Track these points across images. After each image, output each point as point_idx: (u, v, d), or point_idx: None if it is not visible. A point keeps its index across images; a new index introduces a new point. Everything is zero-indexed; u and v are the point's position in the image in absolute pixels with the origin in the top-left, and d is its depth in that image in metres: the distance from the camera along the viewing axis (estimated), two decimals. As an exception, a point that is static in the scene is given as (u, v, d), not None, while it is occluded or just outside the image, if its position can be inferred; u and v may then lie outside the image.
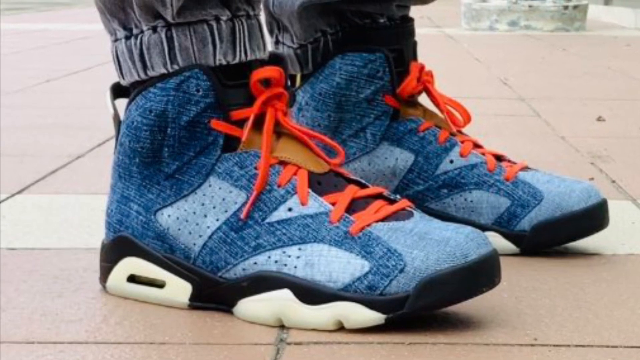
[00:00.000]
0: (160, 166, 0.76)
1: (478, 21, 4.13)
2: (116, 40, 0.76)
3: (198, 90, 0.73)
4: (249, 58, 0.75)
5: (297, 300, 0.69)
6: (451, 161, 0.90)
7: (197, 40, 0.74)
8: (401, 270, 0.68)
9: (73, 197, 1.13)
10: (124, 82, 0.77)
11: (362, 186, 0.75)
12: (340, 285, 0.69)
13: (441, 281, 0.67)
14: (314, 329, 0.70)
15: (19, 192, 1.16)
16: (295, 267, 0.70)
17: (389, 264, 0.68)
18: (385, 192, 0.75)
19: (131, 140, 0.75)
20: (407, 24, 0.96)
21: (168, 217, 0.75)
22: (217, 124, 0.73)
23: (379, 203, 0.73)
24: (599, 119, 1.73)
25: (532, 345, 0.68)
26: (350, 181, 0.76)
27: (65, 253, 0.91)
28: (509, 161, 0.92)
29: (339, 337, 0.70)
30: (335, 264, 0.70)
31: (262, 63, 0.75)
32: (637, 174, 1.28)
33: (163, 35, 0.73)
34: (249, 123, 0.72)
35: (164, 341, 0.71)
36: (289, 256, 0.71)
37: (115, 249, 0.78)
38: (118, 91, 0.80)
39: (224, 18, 0.74)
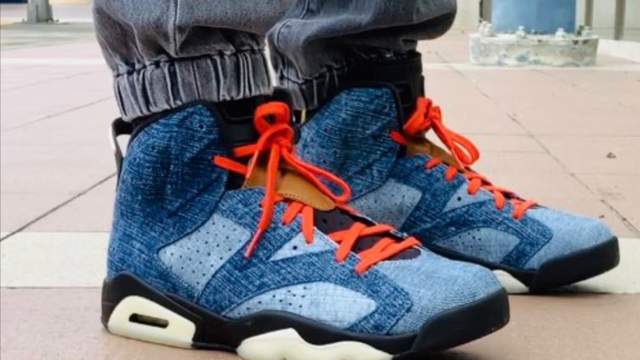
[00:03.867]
0: (163, 203, 0.75)
1: (486, 56, 4.10)
2: (118, 75, 0.76)
3: (201, 127, 0.72)
4: (253, 94, 0.74)
5: (302, 340, 0.69)
6: (459, 198, 0.89)
7: (200, 76, 0.73)
8: (408, 310, 0.67)
9: (74, 234, 1.13)
10: (126, 118, 0.77)
11: (369, 224, 0.75)
12: (346, 325, 0.69)
13: (449, 321, 0.66)
14: None
15: (20, 230, 1.15)
16: (301, 306, 0.70)
17: (396, 303, 0.68)
18: (392, 230, 0.75)
19: (133, 177, 0.75)
20: (414, 59, 0.95)
21: (171, 255, 0.74)
22: (220, 161, 0.72)
23: (385, 241, 0.72)
24: (610, 155, 1.71)
25: None
26: (357, 219, 0.75)
27: (67, 292, 0.90)
28: (518, 198, 0.91)
29: None
30: (341, 303, 0.70)
31: (266, 98, 0.75)
32: None
33: (166, 71, 0.73)
34: (253, 160, 0.72)
35: None
36: (294, 295, 0.71)
37: (117, 288, 0.78)
38: (120, 127, 0.79)
39: (228, 53, 0.74)
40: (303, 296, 0.71)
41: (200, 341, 0.74)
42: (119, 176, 0.79)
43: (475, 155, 0.90)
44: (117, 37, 0.75)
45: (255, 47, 0.76)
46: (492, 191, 0.90)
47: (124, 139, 0.81)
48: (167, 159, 0.73)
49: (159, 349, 0.76)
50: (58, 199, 1.35)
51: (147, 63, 0.74)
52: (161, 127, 0.74)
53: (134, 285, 0.76)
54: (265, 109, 0.73)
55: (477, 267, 0.71)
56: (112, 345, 0.76)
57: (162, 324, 0.75)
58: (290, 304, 0.71)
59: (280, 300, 0.71)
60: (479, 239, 0.89)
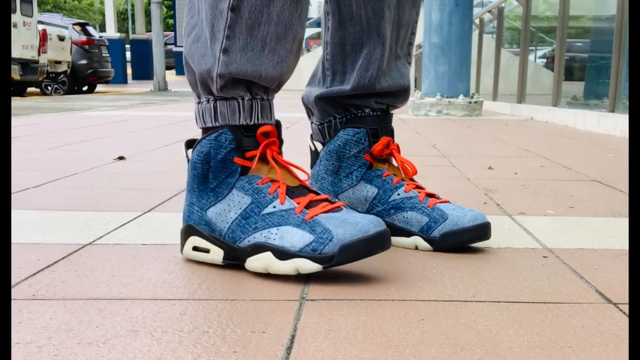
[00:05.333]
0: (208, 184, 0.93)
1: (418, 110, 5.32)
2: (197, 103, 0.96)
3: (226, 140, 0.92)
4: (259, 122, 0.93)
5: (274, 258, 0.88)
6: (398, 194, 1.09)
7: (230, 109, 0.92)
8: (330, 240, 0.86)
9: (181, 214, 1.31)
10: (198, 126, 0.96)
11: (317, 194, 0.93)
12: (297, 249, 0.87)
13: (352, 246, 0.85)
14: (285, 275, 0.88)
15: (149, 211, 1.39)
16: (274, 239, 0.89)
17: (324, 237, 0.86)
18: (330, 198, 0.94)
19: (193, 169, 0.94)
20: (385, 114, 1.14)
21: (212, 212, 0.93)
22: (237, 160, 0.92)
23: (325, 203, 0.92)
24: (490, 168, 2.17)
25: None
26: (311, 191, 0.94)
27: (172, 246, 1.10)
28: (436, 197, 1.10)
29: (349, 295, 0.84)
30: (295, 237, 0.87)
31: (267, 124, 0.93)
32: (512, 201, 1.53)
33: (212, 105, 0.93)
34: (256, 158, 0.91)
35: (210, 297, 0.84)
36: (271, 233, 0.89)
37: (185, 232, 0.98)
38: (189, 144, 0.97)
39: (247, 98, 0.93)
40: (276, 234, 0.89)
41: (227, 260, 0.94)
42: (188, 170, 0.98)
43: (414, 171, 1.11)
44: (192, 80, 0.95)
45: (265, 97, 0.94)
46: (419, 191, 1.08)
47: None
48: (208, 159, 0.93)
49: (207, 276, 0.91)
50: (170, 193, 1.61)
51: (203, 99, 0.94)
52: (206, 141, 0.93)
53: (193, 230, 0.96)
54: (262, 129, 0.93)
55: (371, 216, 0.88)
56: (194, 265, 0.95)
57: (206, 251, 0.95)
58: (269, 238, 0.89)
59: (264, 236, 0.89)
60: (407, 217, 1.09)
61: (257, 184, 0.91)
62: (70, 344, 0.67)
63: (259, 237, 0.89)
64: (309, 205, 0.91)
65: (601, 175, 2.01)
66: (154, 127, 3.83)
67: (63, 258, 1.00)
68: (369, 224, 0.86)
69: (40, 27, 11.15)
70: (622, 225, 1.30)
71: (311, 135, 1.16)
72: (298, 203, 0.90)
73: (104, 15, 23.51)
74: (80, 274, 0.92)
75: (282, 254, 0.87)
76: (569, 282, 0.92)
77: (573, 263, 1.02)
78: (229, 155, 0.92)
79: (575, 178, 1.96)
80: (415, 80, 12.05)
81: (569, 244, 1.14)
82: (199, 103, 0.95)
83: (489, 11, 7.45)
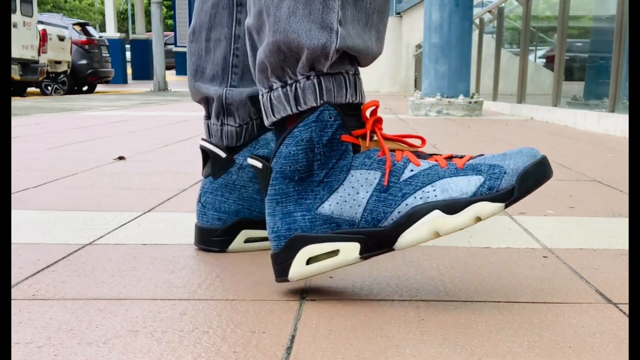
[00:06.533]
0: (312, 177, 0.82)
1: (418, 110, 5.36)
2: (271, 90, 0.84)
3: (330, 117, 0.82)
4: (362, 100, 0.85)
5: (445, 215, 0.78)
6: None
7: (336, 85, 0.83)
8: (504, 173, 0.78)
9: (181, 214, 1.35)
10: (271, 119, 0.84)
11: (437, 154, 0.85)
12: (470, 194, 0.78)
13: (529, 172, 0.78)
14: (460, 229, 0.78)
15: (149, 211, 1.39)
16: (435, 196, 0.79)
17: (496, 171, 0.79)
18: (453, 155, 0.85)
19: (291, 165, 0.82)
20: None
21: (329, 206, 0.81)
22: (345, 137, 0.82)
23: (466, 156, 0.84)
24: None
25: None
26: (430, 155, 0.85)
27: (175, 247, 1.09)
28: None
29: (349, 295, 0.84)
30: (461, 183, 0.79)
31: (370, 101, 0.85)
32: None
33: (315, 82, 0.82)
34: (367, 135, 0.83)
35: (210, 297, 0.84)
36: (428, 192, 0.79)
37: (289, 248, 0.82)
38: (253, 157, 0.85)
39: (351, 72, 0.84)
40: (434, 190, 0.79)
41: (365, 253, 0.81)
42: (264, 183, 0.85)
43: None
44: (278, 63, 0.83)
45: (359, 73, 0.87)
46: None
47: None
48: (311, 145, 0.82)
49: (204, 279, 0.89)
50: (170, 193, 1.61)
51: (299, 78, 0.82)
52: (302, 127, 0.81)
53: (304, 239, 0.82)
54: (368, 105, 0.84)
55: (526, 147, 0.83)
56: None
57: (333, 254, 0.81)
58: (428, 197, 0.79)
59: (420, 198, 0.79)
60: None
61: (379, 156, 0.82)
62: (70, 344, 0.67)
63: (412, 202, 0.79)
64: (449, 159, 0.83)
65: (601, 175, 2.02)
66: (154, 127, 3.84)
67: (63, 258, 1.01)
68: (530, 150, 0.80)
69: (40, 27, 11.15)
70: (622, 225, 1.30)
71: (208, 140, 1.03)
72: (435, 161, 0.82)
73: (104, 15, 23.52)
74: (80, 274, 0.92)
75: (453, 206, 0.78)
76: (569, 282, 0.92)
77: (573, 263, 1.02)
78: (336, 134, 0.82)
79: (575, 178, 1.96)
80: (415, 80, 12.20)
81: (569, 244, 1.14)
82: (283, 87, 0.83)
83: (489, 11, 7.45)
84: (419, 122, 4.58)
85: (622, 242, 1.16)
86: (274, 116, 0.83)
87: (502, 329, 0.73)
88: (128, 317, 0.75)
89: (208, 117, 1.08)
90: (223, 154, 1.03)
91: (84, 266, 0.95)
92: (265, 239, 1.03)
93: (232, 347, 0.66)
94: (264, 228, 1.02)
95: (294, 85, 0.82)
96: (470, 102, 5.41)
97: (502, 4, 6.97)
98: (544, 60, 6.92)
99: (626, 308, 0.81)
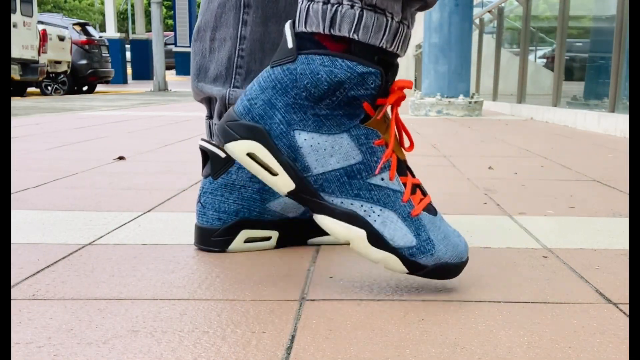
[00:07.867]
0: (314, 106, 0.81)
1: (418, 110, 5.39)
2: (312, 1, 0.81)
3: (372, 84, 0.80)
4: (397, 52, 0.82)
5: (366, 240, 0.81)
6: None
7: (376, 25, 0.80)
8: (431, 254, 0.83)
9: (182, 214, 1.35)
10: (302, 29, 0.81)
11: (414, 176, 0.87)
12: (396, 245, 0.82)
13: (445, 267, 0.84)
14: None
15: (149, 211, 1.37)
16: (375, 220, 0.81)
17: (427, 247, 0.83)
18: (420, 184, 0.87)
19: (309, 83, 0.80)
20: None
21: (304, 140, 0.81)
22: (366, 105, 0.82)
23: (419, 194, 0.85)
24: (490, 167, 2.18)
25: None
26: (408, 169, 0.86)
27: (175, 246, 1.10)
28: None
29: (349, 295, 0.84)
30: (398, 232, 0.82)
31: (405, 80, 0.83)
32: (512, 201, 1.54)
33: (357, 12, 0.79)
34: (382, 111, 0.82)
35: (210, 297, 0.84)
36: (374, 211, 0.81)
37: (246, 130, 0.82)
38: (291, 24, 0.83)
39: (397, 19, 0.81)
40: (379, 215, 0.81)
41: (291, 196, 0.83)
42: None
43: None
44: None
45: (411, 26, 0.84)
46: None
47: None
48: (338, 87, 0.80)
49: (205, 277, 0.90)
50: (170, 193, 1.62)
51: (344, 1, 0.79)
52: (346, 67, 0.79)
53: (264, 136, 0.81)
54: (400, 83, 0.83)
55: (462, 238, 0.87)
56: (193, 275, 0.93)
57: (273, 173, 0.82)
58: (370, 215, 0.81)
59: (365, 210, 0.81)
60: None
61: (373, 143, 0.82)
62: (70, 344, 0.67)
63: (358, 208, 0.81)
64: (414, 189, 0.85)
65: (601, 175, 2.02)
66: (154, 127, 3.85)
67: (63, 258, 1.01)
68: (464, 250, 0.85)
69: (40, 27, 11.15)
70: (622, 225, 1.30)
71: (208, 140, 1.03)
72: (404, 183, 0.84)
73: (104, 15, 23.51)
74: (80, 274, 0.92)
75: (378, 241, 0.81)
76: (569, 282, 0.92)
77: (573, 263, 1.02)
78: (361, 97, 0.80)
79: (575, 178, 1.96)
80: (415, 80, 12.24)
81: (569, 244, 1.14)
82: (325, 3, 0.80)
83: (489, 11, 7.46)
84: (419, 122, 4.58)
85: (622, 242, 1.16)
86: (305, 27, 0.81)
87: (502, 329, 0.73)
88: (128, 317, 0.75)
89: (210, 117, 1.07)
90: (223, 154, 1.03)
91: (84, 266, 0.96)
92: (265, 239, 1.03)
93: (232, 347, 0.66)
94: (264, 228, 1.03)
95: (335, 6, 0.79)
96: (470, 102, 5.42)
97: (502, 4, 6.97)
98: (544, 60, 6.93)
99: (626, 308, 0.81)
